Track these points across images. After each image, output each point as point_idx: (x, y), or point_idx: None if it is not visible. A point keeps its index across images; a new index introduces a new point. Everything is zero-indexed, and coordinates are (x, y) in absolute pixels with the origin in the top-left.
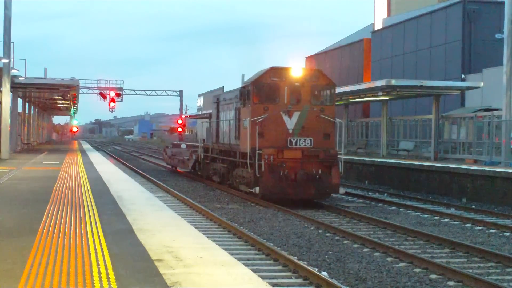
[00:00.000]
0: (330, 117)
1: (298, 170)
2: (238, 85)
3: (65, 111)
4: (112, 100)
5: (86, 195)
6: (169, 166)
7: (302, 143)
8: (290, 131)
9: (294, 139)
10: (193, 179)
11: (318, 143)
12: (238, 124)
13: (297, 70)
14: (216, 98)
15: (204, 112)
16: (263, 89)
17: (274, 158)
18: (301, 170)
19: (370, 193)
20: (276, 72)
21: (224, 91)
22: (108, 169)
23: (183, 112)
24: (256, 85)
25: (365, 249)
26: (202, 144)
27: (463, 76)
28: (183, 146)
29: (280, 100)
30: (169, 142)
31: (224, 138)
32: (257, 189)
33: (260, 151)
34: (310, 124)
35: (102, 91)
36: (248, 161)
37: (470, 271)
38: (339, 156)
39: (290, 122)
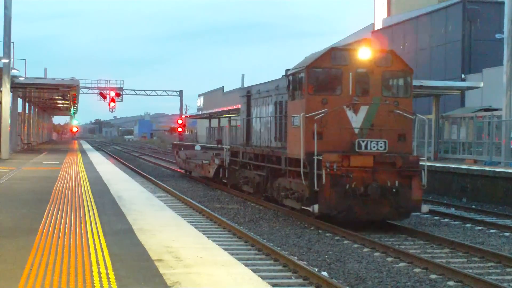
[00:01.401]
0: (407, 113)
1: (369, 182)
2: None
3: (65, 111)
4: (112, 100)
5: (86, 195)
6: (182, 171)
7: (373, 147)
8: (356, 130)
9: (363, 142)
10: (193, 180)
11: (391, 147)
12: (281, 122)
13: (365, 52)
14: (246, 91)
15: (204, 112)
16: (321, 76)
17: (338, 167)
18: (374, 182)
19: None
20: (338, 54)
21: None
22: (108, 169)
23: (183, 112)
24: (312, 71)
25: (365, 249)
26: (228, 147)
27: (463, 76)
28: (198, 147)
29: (343, 91)
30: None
31: (259, 139)
32: (315, 208)
33: (320, 157)
34: (381, 122)
35: (102, 91)
36: (301, 170)
37: (470, 271)
38: (421, 163)
39: (356, 119)
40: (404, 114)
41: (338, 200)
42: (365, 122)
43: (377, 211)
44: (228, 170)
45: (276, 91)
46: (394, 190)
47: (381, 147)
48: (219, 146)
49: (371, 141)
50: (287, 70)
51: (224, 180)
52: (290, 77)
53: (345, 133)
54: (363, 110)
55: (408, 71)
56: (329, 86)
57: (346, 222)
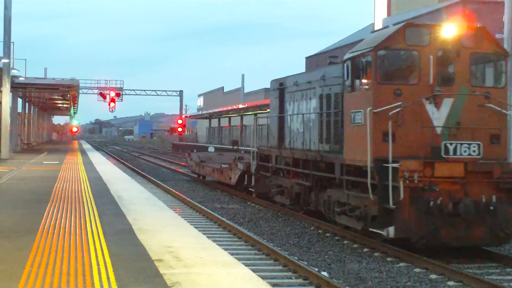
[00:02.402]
0: (502, 107)
1: (459, 198)
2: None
3: (65, 111)
4: (112, 100)
5: (86, 195)
6: (195, 175)
7: (464, 151)
8: (438, 130)
9: (451, 144)
10: (193, 180)
11: (484, 151)
12: (328, 120)
13: (449, 29)
14: (279, 84)
15: (204, 112)
16: (394, 60)
17: (419, 177)
18: (465, 197)
19: None
20: (415, 32)
21: (224, 90)
22: (108, 169)
23: (183, 112)
24: (382, 54)
25: (365, 249)
26: (256, 149)
27: None
28: (211, 149)
29: (421, 79)
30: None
31: (296, 141)
32: (391, 231)
33: (396, 165)
34: (470, 119)
35: (102, 91)
36: (368, 181)
37: (470, 271)
38: None
39: (438, 115)
40: (498, 108)
41: (420, 221)
42: (449, 119)
43: (470, 235)
44: (255, 176)
45: (322, 82)
46: (491, 207)
47: (474, 151)
48: (235, 147)
49: (462, 144)
50: (331, 57)
51: (250, 189)
52: (348, 63)
53: (425, 134)
54: (447, 104)
55: (502, 53)
56: (404, 73)
57: (426, 249)
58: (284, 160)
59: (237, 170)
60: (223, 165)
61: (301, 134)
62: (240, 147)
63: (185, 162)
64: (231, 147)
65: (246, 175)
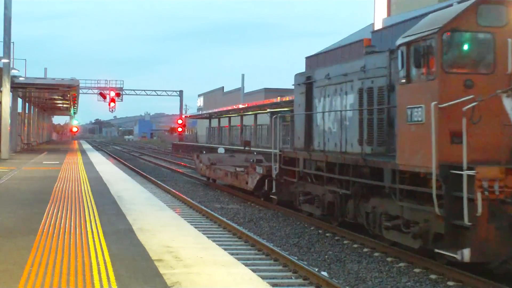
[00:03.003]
0: None
1: None
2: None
3: (65, 111)
4: (112, 100)
5: (86, 195)
6: (204, 179)
7: None
8: None
9: None
10: (193, 179)
11: None
12: (370, 119)
13: None
14: (305, 77)
15: (204, 112)
16: (464, 44)
17: (500, 188)
18: None
19: None
20: (489, 10)
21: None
22: (108, 169)
23: (183, 112)
24: (449, 37)
25: (365, 249)
26: (277, 151)
27: None
28: (221, 150)
29: (497, 67)
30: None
31: (328, 142)
32: (465, 254)
33: (472, 173)
34: None
35: (102, 91)
36: (434, 191)
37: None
38: None
39: None
40: None
41: (502, 241)
42: None
43: None
44: (277, 182)
45: (362, 74)
46: None
47: None
48: (247, 148)
49: None
50: (368, 47)
51: (272, 196)
52: (403, 49)
53: (504, 134)
54: None
55: None
56: (476, 60)
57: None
58: (314, 164)
59: (255, 174)
60: (237, 168)
61: (334, 135)
62: (252, 148)
63: (194, 164)
64: (243, 147)
65: (266, 180)
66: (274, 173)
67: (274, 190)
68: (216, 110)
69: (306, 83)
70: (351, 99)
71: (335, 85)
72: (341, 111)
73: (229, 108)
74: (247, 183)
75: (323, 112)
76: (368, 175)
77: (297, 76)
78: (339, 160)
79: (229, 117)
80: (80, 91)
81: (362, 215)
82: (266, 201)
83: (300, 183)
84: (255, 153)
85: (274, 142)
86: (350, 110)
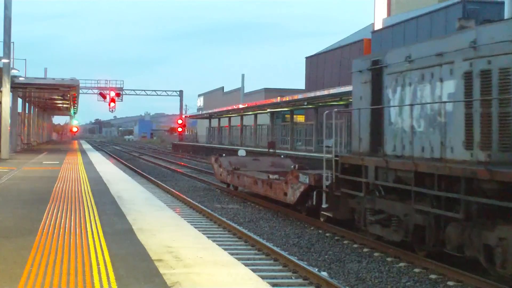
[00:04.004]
0: None
1: None
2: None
3: (65, 111)
4: (112, 100)
5: (86, 195)
6: (223, 185)
7: None
8: None
9: None
10: (193, 180)
11: None
12: (487, 113)
13: None
14: (371, 62)
15: (204, 112)
16: None
17: None
18: None
19: None
20: None
21: (224, 90)
22: (108, 169)
23: (183, 112)
24: None
25: (365, 249)
26: (333, 157)
27: None
28: (242, 152)
29: None
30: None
31: (416, 144)
32: None
33: None
34: None
35: (102, 91)
36: None
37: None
38: None
39: None
40: None
41: None
42: None
43: None
44: (330, 195)
45: (470, 52)
46: None
47: None
48: (271, 151)
49: None
50: (486, 20)
51: (324, 212)
52: None
53: None
54: None
55: None
56: None
57: None
58: (393, 174)
59: (298, 184)
60: (271, 176)
61: (421, 135)
62: (276, 151)
63: (210, 168)
64: (268, 149)
65: (315, 193)
66: (326, 183)
67: (325, 205)
68: (216, 110)
69: (372, 69)
70: (450, 87)
71: (422, 70)
72: (428, 104)
73: (229, 108)
74: (285, 194)
75: (401, 106)
76: (491, 192)
77: (358, 61)
78: (441, 170)
79: (229, 117)
80: (80, 91)
81: (479, 248)
82: (308, 216)
83: (367, 198)
84: (282, 156)
85: (327, 144)
86: (449, 101)
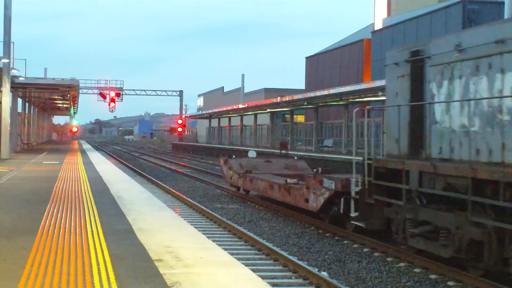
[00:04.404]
0: None
1: None
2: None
3: (65, 111)
4: (112, 100)
5: (86, 195)
6: (232, 189)
7: None
8: None
9: None
10: (193, 180)
11: None
12: None
13: None
14: (411, 53)
15: (204, 112)
16: None
17: None
18: None
19: None
20: None
21: (224, 90)
22: (108, 169)
23: (183, 112)
24: None
25: (365, 249)
26: (367, 160)
27: None
28: (252, 154)
29: None
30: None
31: (465, 146)
32: None
33: None
34: None
35: (102, 91)
36: None
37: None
38: None
39: None
40: None
41: None
42: None
43: None
44: (360, 202)
45: None
46: None
47: None
48: (284, 152)
49: None
50: None
51: (354, 222)
52: None
53: None
54: None
55: None
56: None
57: None
58: (442, 180)
59: (322, 189)
60: (289, 180)
61: (475, 135)
62: (289, 152)
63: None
64: (280, 151)
65: (342, 200)
66: (355, 189)
67: (353, 214)
68: (216, 110)
69: (412, 60)
70: None
71: (476, 60)
72: (484, 99)
73: (229, 108)
74: (306, 200)
75: (448, 102)
76: None
77: (393, 52)
78: (510, 177)
79: (229, 117)
80: (80, 91)
81: None
82: (332, 225)
83: (408, 208)
84: (295, 157)
85: (356, 145)
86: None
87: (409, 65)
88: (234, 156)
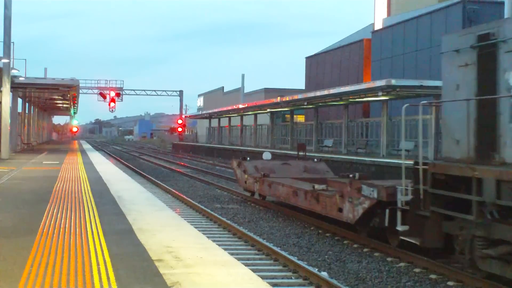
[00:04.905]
0: None
1: None
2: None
3: (65, 111)
4: (112, 100)
5: (86, 195)
6: (246, 193)
7: None
8: None
9: None
10: (193, 180)
11: None
12: None
13: None
14: (477, 37)
15: (204, 112)
16: None
17: None
18: None
19: None
20: None
21: (224, 90)
22: (108, 169)
23: (183, 112)
24: None
25: (365, 249)
26: (421, 164)
27: None
28: (267, 156)
29: None
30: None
31: None
32: None
33: None
34: None
35: (102, 91)
36: None
37: (470, 271)
38: None
39: None
40: None
41: None
42: None
43: None
44: (410, 215)
45: None
46: None
47: None
48: (302, 154)
49: None
50: None
51: (405, 238)
52: None
53: None
54: None
55: None
56: None
57: None
58: None
59: (360, 198)
60: (317, 186)
61: None
62: (305, 154)
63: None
64: (297, 153)
65: (387, 211)
66: (403, 199)
67: (401, 228)
68: (216, 110)
69: (480, 46)
70: None
71: None
72: None
73: (229, 108)
74: (340, 210)
75: None
76: None
77: (452, 37)
78: None
79: (229, 117)
80: (80, 91)
81: None
82: (370, 238)
83: (479, 223)
84: (315, 159)
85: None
86: None
87: (475, 51)
88: (248, 158)
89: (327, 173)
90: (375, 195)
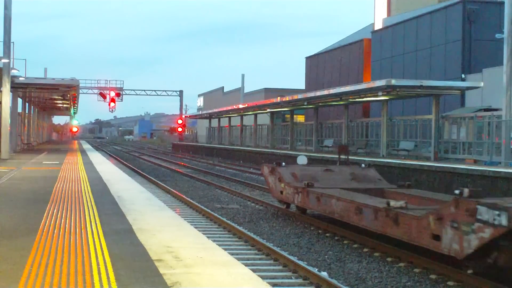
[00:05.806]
0: None
1: None
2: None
3: (65, 111)
4: (112, 100)
5: (86, 195)
6: (280, 205)
7: None
8: None
9: None
10: (193, 179)
11: None
12: None
13: None
14: None
15: (204, 112)
16: None
17: None
18: None
19: None
20: None
21: (224, 90)
22: (108, 169)
23: (183, 112)
24: None
25: (365, 249)
26: None
27: (463, 76)
28: (303, 160)
29: None
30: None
31: None
32: None
33: None
34: None
35: (102, 91)
36: None
37: (470, 271)
38: None
39: None
40: None
41: None
42: None
43: None
44: None
45: None
46: None
47: None
48: (343, 158)
49: None
50: None
51: None
52: None
53: None
54: None
55: None
56: None
57: None
58: None
59: (475, 224)
60: (392, 203)
61: None
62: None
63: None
64: (338, 157)
65: None
66: None
67: None
68: (216, 110)
69: None
70: None
71: None
72: None
73: (229, 108)
74: (436, 238)
75: None
76: None
77: None
78: None
79: (229, 117)
80: (80, 91)
81: None
82: (481, 277)
83: None
84: (363, 165)
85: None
86: None
87: None
88: (283, 163)
89: (380, 182)
90: (504, 222)
